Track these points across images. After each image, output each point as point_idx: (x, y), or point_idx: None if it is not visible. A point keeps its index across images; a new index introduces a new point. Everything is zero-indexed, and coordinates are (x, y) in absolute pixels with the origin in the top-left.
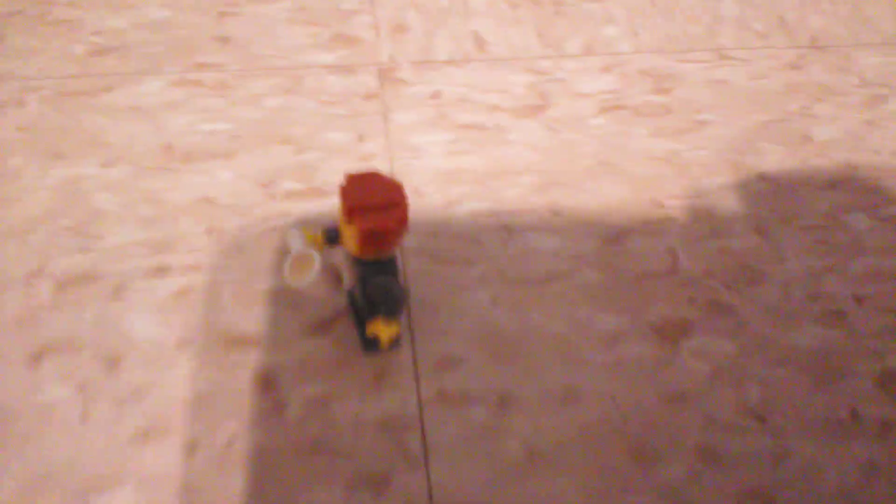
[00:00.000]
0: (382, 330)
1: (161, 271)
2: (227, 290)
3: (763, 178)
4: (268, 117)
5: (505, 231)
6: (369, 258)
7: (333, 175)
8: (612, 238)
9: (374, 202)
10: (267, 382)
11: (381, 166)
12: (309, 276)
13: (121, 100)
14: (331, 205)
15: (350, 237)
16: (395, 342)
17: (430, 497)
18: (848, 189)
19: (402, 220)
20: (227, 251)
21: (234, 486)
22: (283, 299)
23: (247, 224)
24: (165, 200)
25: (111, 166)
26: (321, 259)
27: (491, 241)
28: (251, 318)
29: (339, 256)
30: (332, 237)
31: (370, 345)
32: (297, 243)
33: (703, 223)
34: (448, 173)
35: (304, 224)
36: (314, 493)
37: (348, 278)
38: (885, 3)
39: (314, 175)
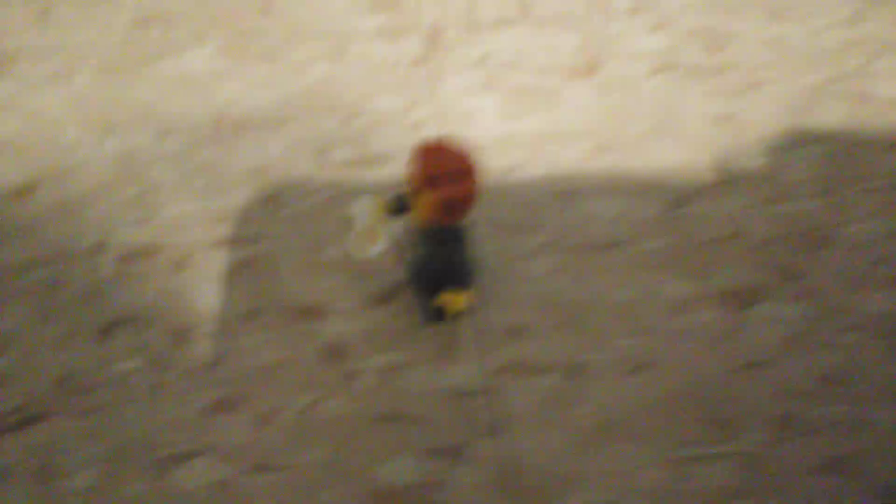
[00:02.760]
0: (452, 300)
1: (221, 243)
2: (288, 261)
3: (823, 139)
4: (314, 86)
5: (563, 197)
6: (439, 227)
7: (385, 143)
8: (673, 203)
9: (451, 169)
10: (335, 353)
11: (432, 134)
12: (376, 246)
13: (168, 70)
14: (387, 174)
15: (423, 205)
16: (459, 312)
17: (504, 465)
18: None
19: (477, 188)
20: (285, 221)
21: (308, 455)
22: (343, 270)
23: (302, 194)
24: (220, 172)
25: (165, 137)
26: (388, 230)
27: (550, 207)
28: (314, 288)
29: (400, 227)
30: (400, 206)
31: (435, 315)
32: (362, 213)
33: (765, 187)
34: (501, 139)
35: (364, 194)
36: (388, 463)
37: (411, 249)
38: None
39: (366, 143)
